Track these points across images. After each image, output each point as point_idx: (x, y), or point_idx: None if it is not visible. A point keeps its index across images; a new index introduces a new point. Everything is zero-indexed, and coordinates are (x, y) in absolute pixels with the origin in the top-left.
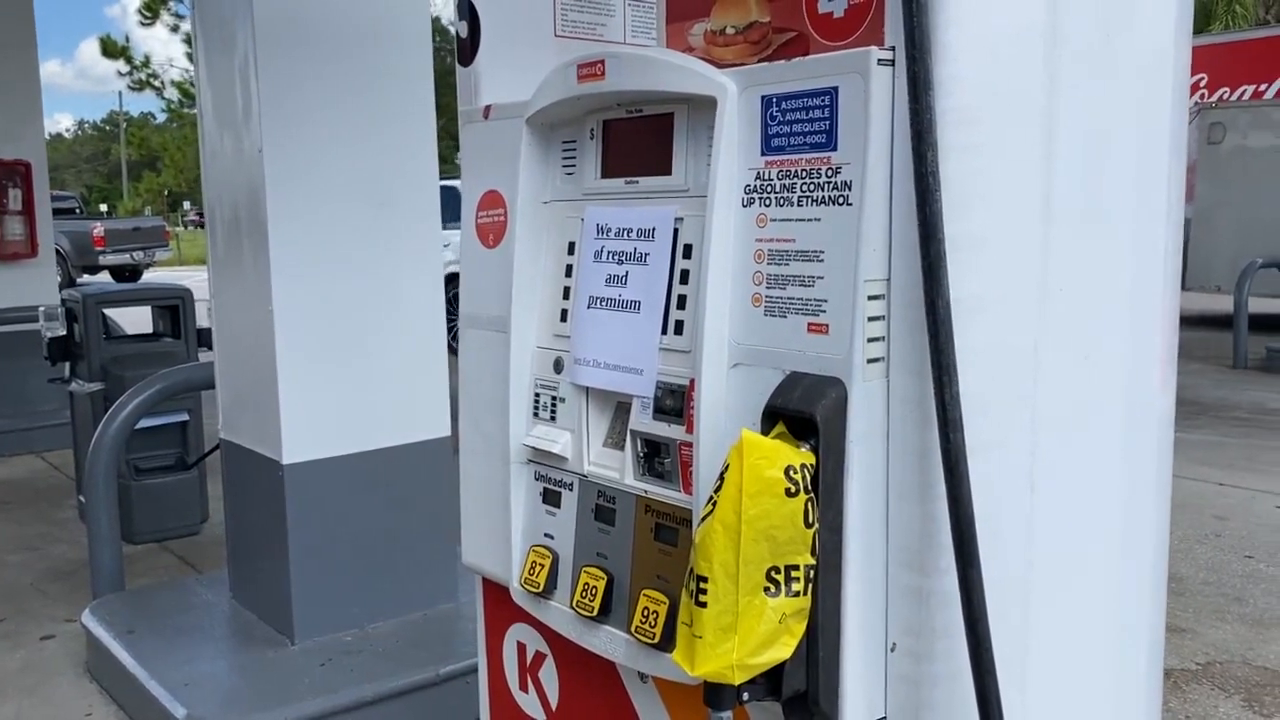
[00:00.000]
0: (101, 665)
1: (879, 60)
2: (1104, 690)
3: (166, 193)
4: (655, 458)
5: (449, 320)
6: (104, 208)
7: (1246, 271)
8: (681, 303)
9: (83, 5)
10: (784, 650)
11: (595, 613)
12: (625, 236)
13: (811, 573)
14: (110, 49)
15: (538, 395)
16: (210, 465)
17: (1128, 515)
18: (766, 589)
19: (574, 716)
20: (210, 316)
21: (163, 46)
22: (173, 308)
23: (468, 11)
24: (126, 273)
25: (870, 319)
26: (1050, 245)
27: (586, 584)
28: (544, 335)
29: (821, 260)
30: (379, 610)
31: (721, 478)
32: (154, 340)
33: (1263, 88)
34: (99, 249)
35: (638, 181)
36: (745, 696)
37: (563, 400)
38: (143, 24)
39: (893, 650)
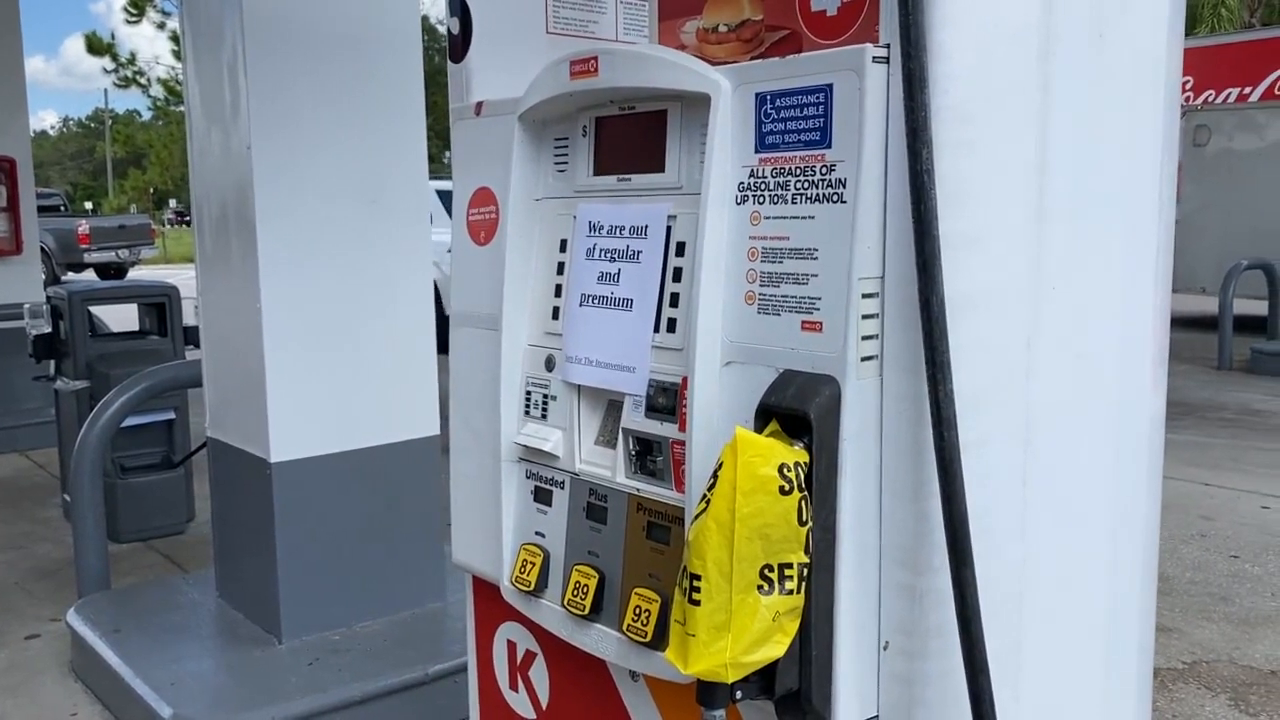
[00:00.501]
0: (87, 665)
1: (874, 58)
2: (1095, 688)
3: (152, 190)
4: (647, 456)
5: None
6: (89, 205)
7: (1231, 273)
8: (674, 300)
9: (68, 1)
10: (777, 648)
11: (586, 611)
12: (618, 234)
13: (805, 571)
14: (96, 46)
15: (529, 393)
16: (197, 464)
17: (1119, 514)
18: (760, 587)
19: (564, 716)
20: (198, 314)
21: (148, 44)
22: (159, 305)
23: (459, 8)
24: (112, 270)
25: (864, 317)
26: (1044, 243)
27: (578, 582)
28: (535, 333)
29: (815, 258)
30: (367, 609)
31: (715, 475)
32: (140, 338)
33: (1248, 91)
34: (84, 246)
35: (630, 179)
36: (738, 695)
37: (554, 398)
38: (129, 21)
39: (886, 649)
